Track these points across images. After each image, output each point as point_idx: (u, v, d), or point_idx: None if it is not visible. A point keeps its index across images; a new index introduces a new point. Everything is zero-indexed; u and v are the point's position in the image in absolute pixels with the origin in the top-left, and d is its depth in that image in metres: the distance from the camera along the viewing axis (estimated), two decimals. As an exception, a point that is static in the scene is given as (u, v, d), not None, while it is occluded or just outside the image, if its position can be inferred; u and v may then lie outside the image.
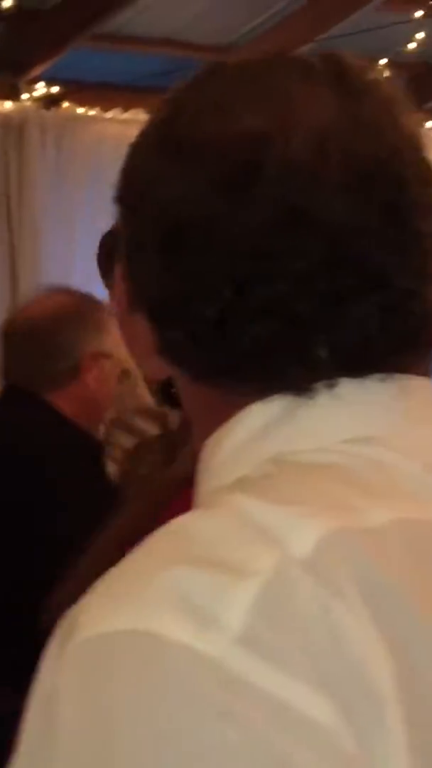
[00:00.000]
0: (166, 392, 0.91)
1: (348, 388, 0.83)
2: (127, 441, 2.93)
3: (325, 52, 0.89)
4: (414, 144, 0.86)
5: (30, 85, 6.91)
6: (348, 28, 6.94)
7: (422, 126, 0.89)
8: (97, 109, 7.08)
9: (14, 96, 6.81)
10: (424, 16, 6.78)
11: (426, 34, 6.99)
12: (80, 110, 7.11)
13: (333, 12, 6.88)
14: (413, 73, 7.90)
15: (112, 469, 2.86)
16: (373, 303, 0.82)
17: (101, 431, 2.88)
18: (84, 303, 2.78)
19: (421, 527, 0.78)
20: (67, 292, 2.90)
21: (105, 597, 0.73)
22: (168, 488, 1.68)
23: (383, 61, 7.12)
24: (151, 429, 2.93)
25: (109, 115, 6.99)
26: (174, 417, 2.20)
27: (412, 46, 7.08)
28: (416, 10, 6.76)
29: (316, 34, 6.86)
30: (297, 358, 0.82)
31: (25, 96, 6.88)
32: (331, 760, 0.67)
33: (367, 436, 0.82)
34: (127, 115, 6.86)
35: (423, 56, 7.41)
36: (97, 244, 1.90)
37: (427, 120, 8.23)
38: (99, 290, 2.11)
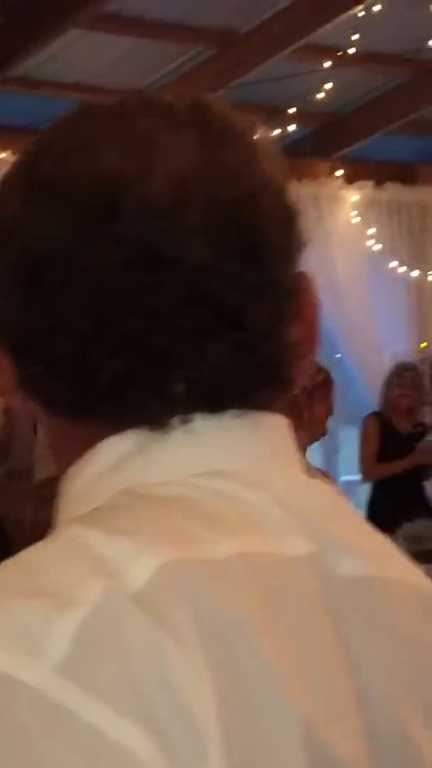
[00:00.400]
0: None
1: (203, 423, 0.85)
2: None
3: (191, 97, 0.91)
4: (275, 189, 0.88)
5: None
6: (259, 76, 7.02)
7: (282, 173, 0.91)
8: (8, 152, 7.08)
9: None
10: (332, 66, 6.87)
11: (334, 84, 7.09)
12: (-9, 153, 7.11)
13: (244, 60, 6.96)
14: (322, 122, 8.01)
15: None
16: (229, 342, 0.84)
17: None
18: None
19: (266, 561, 0.79)
20: None
21: None
22: None
23: (292, 110, 7.22)
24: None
25: (20, 157, 6.99)
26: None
27: (320, 96, 7.17)
28: (325, 61, 6.86)
29: (228, 82, 6.93)
30: (154, 394, 0.84)
31: None
32: None
33: (218, 470, 0.84)
34: (37, 158, 6.86)
35: (331, 106, 7.51)
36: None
37: (336, 169, 8.37)
38: None
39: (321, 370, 4.24)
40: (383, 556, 0.87)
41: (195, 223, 0.83)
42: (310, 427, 4.07)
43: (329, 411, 4.24)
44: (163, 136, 0.86)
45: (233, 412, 0.85)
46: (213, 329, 0.84)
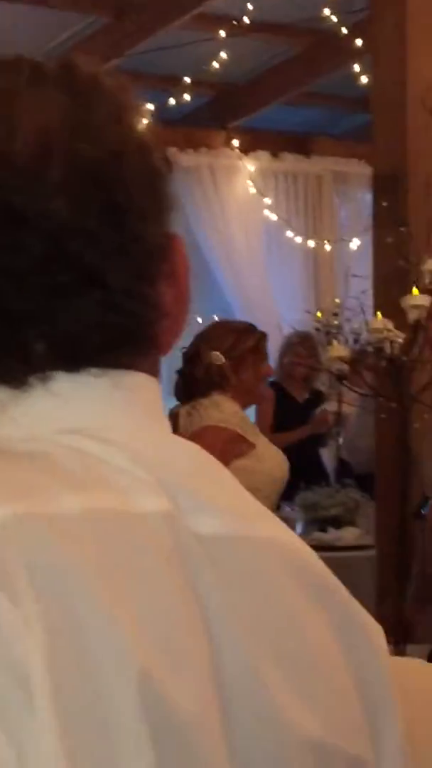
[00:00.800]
0: None
1: (61, 381, 0.86)
2: None
3: (59, 57, 0.91)
4: (141, 149, 0.89)
5: None
6: (154, 45, 6.99)
7: (144, 131, 0.91)
8: None
9: None
10: (227, 36, 6.87)
11: (230, 54, 7.09)
12: None
13: (139, 29, 6.92)
14: (217, 92, 8.02)
15: None
16: (90, 301, 0.85)
17: None
18: None
19: (114, 516, 0.81)
20: None
21: None
22: None
23: (187, 80, 7.21)
24: None
25: None
26: None
27: (216, 65, 7.16)
28: (220, 30, 6.85)
29: (122, 51, 6.89)
30: (13, 352, 0.85)
31: None
32: None
33: (77, 428, 0.85)
34: None
35: (227, 76, 7.51)
36: None
37: (232, 139, 8.38)
38: None
39: (251, 335, 4.23)
40: (247, 515, 0.88)
41: (57, 181, 0.84)
42: (238, 393, 4.08)
43: (258, 376, 4.23)
44: (27, 94, 0.87)
45: (94, 370, 0.87)
46: (73, 288, 0.84)
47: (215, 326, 4.31)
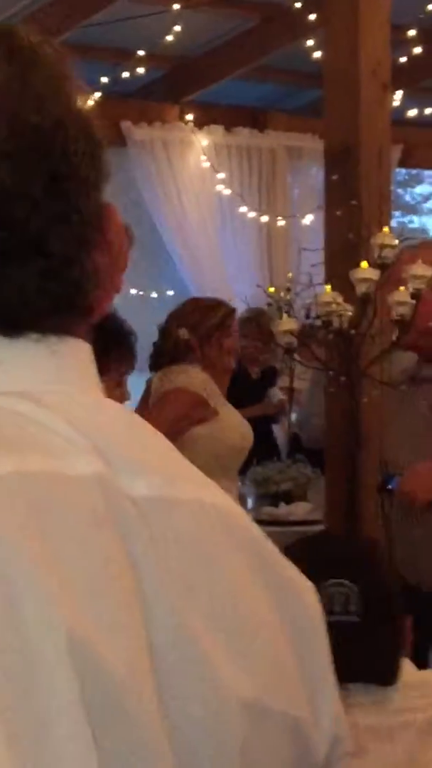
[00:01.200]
0: None
1: (0, 346, 0.86)
2: None
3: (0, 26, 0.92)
4: (81, 119, 0.90)
5: None
6: (107, 17, 6.95)
7: (83, 104, 0.91)
8: None
9: None
10: (181, 8, 6.84)
11: (183, 27, 7.06)
12: None
13: (93, 1, 6.89)
14: (171, 65, 7.98)
15: None
16: (32, 268, 0.86)
17: None
18: None
19: (45, 479, 0.81)
20: None
21: None
22: None
23: (141, 53, 7.17)
24: None
25: None
26: None
27: (170, 39, 7.13)
28: (173, 3, 6.82)
29: (74, 23, 6.85)
30: None
31: None
32: None
33: (13, 391, 0.85)
34: None
35: (181, 49, 7.48)
36: None
37: (186, 113, 8.35)
38: None
39: (216, 311, 4.34)
40: (181, 478, 0.89)
41: (0, 148, 0.85)
42: (206, 366, 4.20)
43: (223, 351, 4.32)
44: None
45: (32, 336, 0.87)
46: (16, 254, 0.85)
47: (186, 303, 4.57)
